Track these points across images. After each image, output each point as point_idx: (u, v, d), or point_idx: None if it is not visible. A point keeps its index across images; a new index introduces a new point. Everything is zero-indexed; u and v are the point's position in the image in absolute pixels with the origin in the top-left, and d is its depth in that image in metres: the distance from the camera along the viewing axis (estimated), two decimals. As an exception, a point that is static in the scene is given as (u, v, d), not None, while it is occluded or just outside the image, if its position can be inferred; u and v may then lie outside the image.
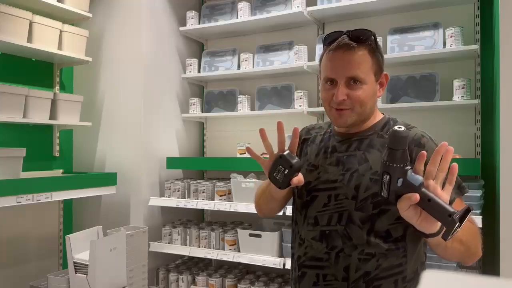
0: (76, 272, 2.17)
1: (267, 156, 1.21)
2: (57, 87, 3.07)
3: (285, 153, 1.15)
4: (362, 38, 1.19)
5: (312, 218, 1.26)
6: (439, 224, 0.99)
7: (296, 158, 1.16)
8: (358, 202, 1.19)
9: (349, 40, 1.19)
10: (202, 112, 3.37)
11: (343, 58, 1.19)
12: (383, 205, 1.17)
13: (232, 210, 2.78)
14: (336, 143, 1.29)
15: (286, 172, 1.14)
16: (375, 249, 1.18)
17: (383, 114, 1.34)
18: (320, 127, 1.41)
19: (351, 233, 1.19)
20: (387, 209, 1.17)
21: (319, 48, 2.90)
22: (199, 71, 3.36)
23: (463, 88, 2.50)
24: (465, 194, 1.20)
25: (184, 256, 3.27)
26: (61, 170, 3.10)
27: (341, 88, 1.19)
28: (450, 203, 1.10)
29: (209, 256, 2.88)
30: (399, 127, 0.97)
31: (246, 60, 3.11)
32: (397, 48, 2.68)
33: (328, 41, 1.24)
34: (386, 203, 1.15)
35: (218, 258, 2.84)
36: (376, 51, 1.22)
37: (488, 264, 2.53)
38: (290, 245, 1.42)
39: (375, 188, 1.17)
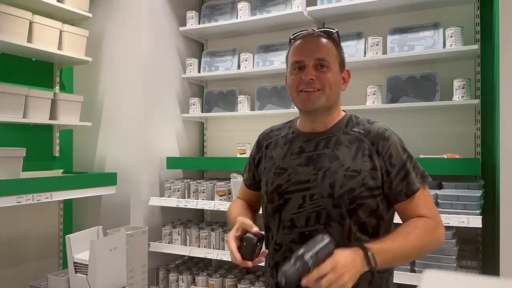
0: (76, 272, 2.18)
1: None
2: (57, 87, 3.07)
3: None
4: (326, 32, 1.28)
5: (288, 221, 1.25)
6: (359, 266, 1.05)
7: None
8: (335, 199, 1.19)
9: (315, 32, 1.28)
10: (202, 112, 3.37)
11: (311, 42, 1.26)
12: (358, 199, 1.19)
13: (232, 210, 2.78)
14: (302, 143, 1.30)
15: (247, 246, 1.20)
16: (354, 243, 1.18)
17: (344, 111, 1.37)
18: (279, 129, 1.42)
19: (332, 231, 1.18)
20: (362, 202, 1.19)
21: (319, 48, 2.89)
22: (199, 71, 3.36)
23: (463, 88, 2.50)
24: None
25: (184, 256, 3.27)
26: (61, 170, 3.10)
27: (309, 69, 1.23)
28: (415, 192, 1.21)
29: (209, 256, 2.88)
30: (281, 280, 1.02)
31: (246, 60, 3.11)
32: (397, 48, 2.68)
33: (294, 35, 1.31)
34: (361, 197, 1.19)
35: (218, 258, 2.83)
36: (339, 46, 1.30)
37: (488, 264, 2.53)
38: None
39: (349, 184, 1.19)
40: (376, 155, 1.22)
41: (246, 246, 1.19)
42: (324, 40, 1.26)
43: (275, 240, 1.28)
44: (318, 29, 1.30)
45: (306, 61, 1.23)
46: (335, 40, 1.29)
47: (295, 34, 1.31)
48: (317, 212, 1.21)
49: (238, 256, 1.16)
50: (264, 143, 1.41)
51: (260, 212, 1.42)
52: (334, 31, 1.28)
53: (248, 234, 1.20)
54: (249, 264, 1.18)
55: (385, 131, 1.27)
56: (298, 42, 1.28)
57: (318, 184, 1.21)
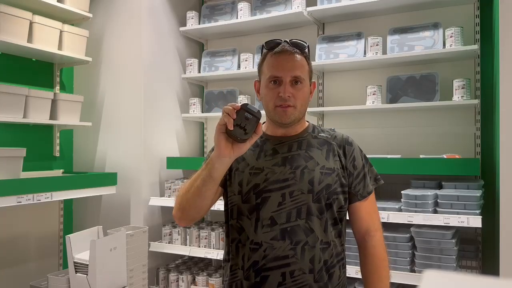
0: (76, 272, 2.18)
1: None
2: (57, 87, 3.07)
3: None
4: (300, 47, 1.34)
5: (268, 219, 1.27)
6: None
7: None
8: (315, 195, 1.28)
9: (291, 47, 1.33)
10: (202, 112, 3.37)
11: (288, 59, 1.32)
12: (334, 194, 1.30)
13: (232, 210, 2.78)
14: (274, 145, 1.36)
15: (251, 118, 1.14)
16: (329, 237, 1.30)
17: (307, 121, 1.45)
18: None
19: (313, 225, 1.27)
20: (336, 198, 1.31)
21: (319, 48, 2.90)
22: (199, 71, 3.36)
23: (463, 88, 2.50)
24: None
25: (184, 256, 3.27)
26: (61, 170, 3.10)
27: (287, 86, 1.29)
28: (370, 193, 1.39)
29: (209, 256, 2.88)
30: None
31: (246, 60, 3.11)
32: (397, 48, 2.68)
33: (270, 46, 1.36)
34: (336, 193, 1.30)
35: (218, 258, 2.84)
36: (309, 60, 1.37)
37: (488, 264, 2.53)
38: (224, 257, 1.38)
39: (326, 180, 1.30)
40: (343, 157, 1.36)
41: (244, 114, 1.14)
42: (298, 57, 1.32)
43: (253, 239, 1.28)
44: (290, 39, 1.35)
45: (284, 77, 1.29)
46: (307, 54, 1.35)
47: (269, 43, 1.36)
48: (298, 208, 1.27)
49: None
50: None
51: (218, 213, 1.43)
52: (305, 44, 1.34)
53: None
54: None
55: (348, 137, 1.42)
56: (275, 56, 1.33)
57: (297, 182, 1.28)
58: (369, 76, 2.93)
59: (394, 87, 2.73)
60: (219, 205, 2.83)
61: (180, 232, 3.01)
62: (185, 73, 3.38)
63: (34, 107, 2.64)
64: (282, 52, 1.32)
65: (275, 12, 2.99)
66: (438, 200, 2.30)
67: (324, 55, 2.87)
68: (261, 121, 1.19)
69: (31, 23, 2.60)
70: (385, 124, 2.89)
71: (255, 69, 3.07)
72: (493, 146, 2.48)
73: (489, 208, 2.43)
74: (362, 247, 1.39)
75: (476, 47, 2.46)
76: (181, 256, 3.29)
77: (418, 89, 2.66)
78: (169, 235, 3.05)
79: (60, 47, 2.79)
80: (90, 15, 2.96)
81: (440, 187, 2.48)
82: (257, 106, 3.14)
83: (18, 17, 2.51)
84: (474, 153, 2.64)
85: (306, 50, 1.35)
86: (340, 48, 2.85)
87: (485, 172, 2.57)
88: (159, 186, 3.17)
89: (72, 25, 2.92)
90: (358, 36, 2.83)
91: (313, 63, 2.83)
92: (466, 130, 2.68)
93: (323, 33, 3.07)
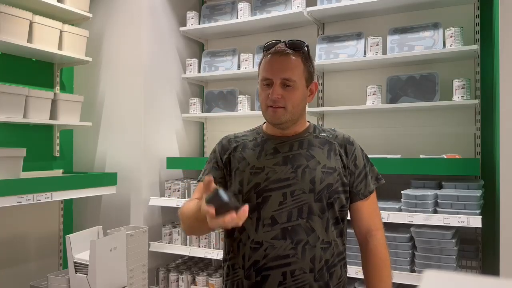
0: (76, 272, 2.18)
1: None
2: (57, 87, 3.07)
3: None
4: (297, 47, 1.33)
5: (269, 219, 1.27)
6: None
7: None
8: (317, 194, 1.28)
9: (285, 47, 1.33)
10: (202, 112, 3.37)
11: (279, 61, 1.31)
12: (335, 194, 1.30)
13: (232, 210, 2.78)
14: (275, 145, 1.36)
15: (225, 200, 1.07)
16: (330, 237, 1.29)
17: (308, 121, 1.45)
18: (245, 135, 1.45)
19: (314, 225, 1.27)
20: (337, 197, 1.31)
21: (319, 48, 2.90)
22: (199, 71, 3.36)
23: (463, 88, 2.50)
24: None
25: (184, 256, 3.27)
26: (61, 170, 3.10)
27: (276, 87, 1.29)
28: (371, 192, 1.38)
29: (209, 256, 2.89)
30: None
31: (246, 60, 3.11)
32: (397, 48, 2.68)
33: (266, 47, 1.37)
34: (337, 192, 1.30)
35: (218, 258, 2.84)
36: (308, 60, 1.35)
37: (488, 264, 2.53)
38: (224, 257, 1.38)
39: (328, 179, 1.30)
40: (344, 156, 1.36)
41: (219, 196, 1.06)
42: (292, 58, 1.31)
43: (253, 239, 1.28)
44: (289, 40, 1.34)
45: (274, 79, 1.29)
46: (304, 54, 1.34)
47: (267, 45, 1.37)
48: (299, 207, 1.27)
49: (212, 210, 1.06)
50: (231, 145, 1.41)
51: None
52: (303, 44, 1.33)
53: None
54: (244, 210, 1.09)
55: (349, 137, 1.42)
56: (268, 57, 1.33)
57: (298, 181, 1.28)
58: (369, 76, 2.94)
59: (394, 87, 2.73)
60: (219, 205, 2.83)
61: (180, 232, 3.01)
62: (185, 73, 3.38)
63: (34, 107, 2.64)
64: (275, 53, 1.32)
65: (275, 12, 2.99)
66: (438, 200, 2.30)
67: (324, 55, 2.87)
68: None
69: (31, 23, 2.60)
70: (385, 124, 2.89)
71: (255, 69, 3.10)
72: (493, 146, 2.48)
73: (489, 208, 2.43)
74: (364, 246, 1.39)
75: (476, 47, 2.46)
76: (181, 256, 3.29)
77: (418, 89, 2.66)
78: (169, 235, 3.05)
79: (60, 47, 2.79)
80: (90, 15, 2.96)
81: (440, 187, 2.48)
82: (258, 105, 3.16)
83: (18, 17, 2.51)
84: (474, 153, 2.64)
85: (305, 49, 1.34)
86: (340, 48, 2.85)
87: (485, 172, 2.57)
88: (159, 186, 3.17)
89: (72, 25, 2.92)
90: (358, 36, 2.83)
91: (313, 63, 2.85)
92: (466, 130, 2.68)
93: (323, 33, 3.07)
